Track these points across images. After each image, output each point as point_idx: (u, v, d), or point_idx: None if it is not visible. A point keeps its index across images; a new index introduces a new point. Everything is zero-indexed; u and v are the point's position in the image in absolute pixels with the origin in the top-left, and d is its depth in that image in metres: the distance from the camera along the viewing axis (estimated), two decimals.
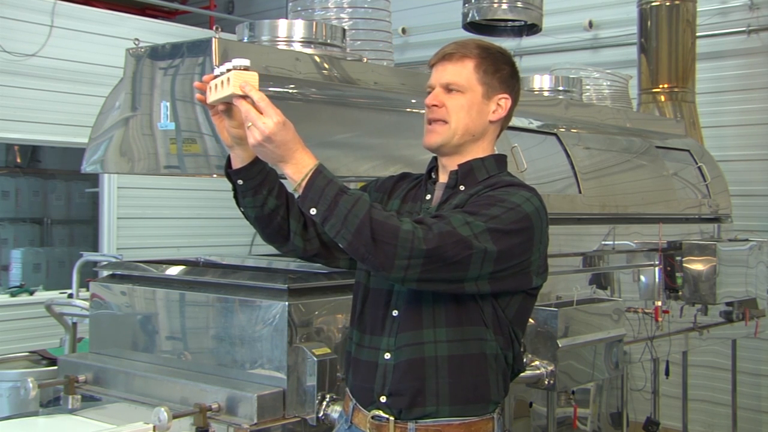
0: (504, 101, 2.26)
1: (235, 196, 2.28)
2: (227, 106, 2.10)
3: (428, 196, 2.27)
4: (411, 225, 1.97)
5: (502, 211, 2.06)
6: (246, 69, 2.01)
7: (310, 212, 1.99)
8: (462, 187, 2.22)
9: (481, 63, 2.23)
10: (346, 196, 1.97)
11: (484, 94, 2.23)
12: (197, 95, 2.13)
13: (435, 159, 2.32)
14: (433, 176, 2.32)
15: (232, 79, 2.00)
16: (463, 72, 2.21)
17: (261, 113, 1.98)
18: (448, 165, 2.26)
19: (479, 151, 2.26)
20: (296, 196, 2.03)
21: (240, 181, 2.22)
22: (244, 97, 1.99)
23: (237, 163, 2.21)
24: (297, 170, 2.00)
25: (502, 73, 2.26)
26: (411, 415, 2.13)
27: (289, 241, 2.32)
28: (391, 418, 2.15)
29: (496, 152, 2.31)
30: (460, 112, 2.21)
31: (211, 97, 2.09)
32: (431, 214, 2.17)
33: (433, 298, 2.12)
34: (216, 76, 2.07)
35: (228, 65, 2.03)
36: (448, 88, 2.22)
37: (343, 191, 1.97)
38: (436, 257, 1.97)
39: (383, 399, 2.16)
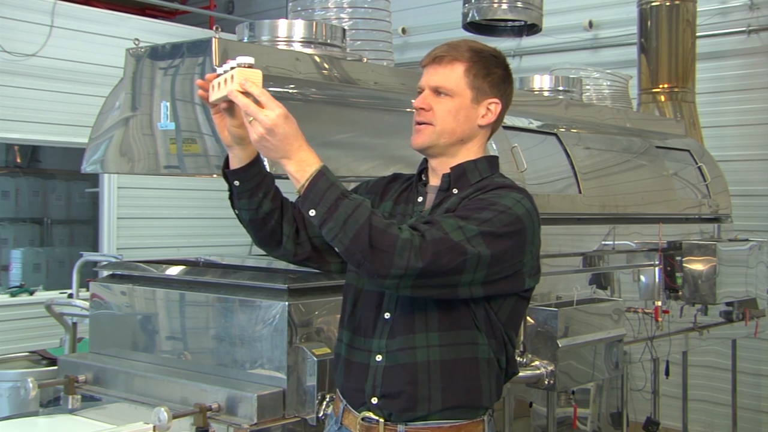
0: (494, 106, 2.24)
1: (231, 198, 2.27)
2: (229, 104, 2.09)
3: (420, 199, 2.26)
4: (409, 233, 1.96)
5: (494, 214, 2.05)
6: (250, 66, 2.00)
7: (309, 213, 1.97)
8: (455, 191, 2.21)
9: (472, 67, 2.21)
10: (347, 201, 1.95)
11: (474, 99, 2.21)
12: (199, 92, 2.11)
13: (426, 161, 2.31)
14: (424, 178, 2.30)
15: (235, 76, 1.99)
16: (452, 76, 2.20)
17: (262, 107, 1.97)
18: (438, 168, 2.25)
19: (470, 153, 2.25)
20: (297, 195, 2.03)
21: (237, 182, 2.20)
22: (245, 93, 1.98)
23: (235, 164, 2.19)
24: (300, 169, 1.98)
25: (493, 76, 2.23)
26: (402, 418, 2.13)
27: (281, 245, 2.31)
28: (381, 420, 2.14)
29: (489, 153, 2.30)
30: (447, 117, 2.19)
31: (214, 95, 2.08)
32: (424, 217, 2.16)
33: (426, 303, 2.11)
34: (219, 75, 2.06)
35: (232, 63, 2.02)
36: (437, 92, 2.20)
37: (344, 195, 1.96)
38: (432, 266, 1.96)
39: (374, 401, 2.15)
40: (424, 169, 2.31)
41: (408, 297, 2.11)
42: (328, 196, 1.95)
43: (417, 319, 2.12)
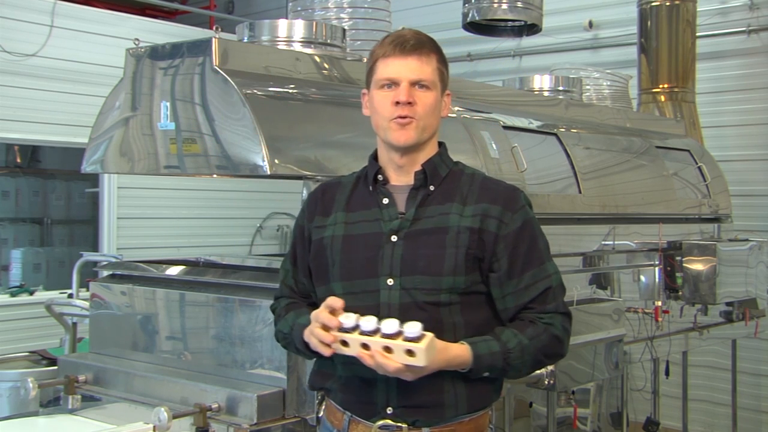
0: (447, 97, 2.22)
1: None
2: None
3: (385, 200, 2.16)
4: (561, 330, 2.16)
5: (538, 233, 2.21)
6: (421, 337, 1.92)
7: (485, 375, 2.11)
8: (432, 187, 2.15)
9: (440, 58, 2.17)
10: (510, 354, 2.07)
11: (441, 90, 2.18)
12: (321, 348, 2.00)
13: (375, 160, 2.22)
14: (380, 178, 2.19)
15: (421, 356, 1.90)
16: (429, 69, 2.13)
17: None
18: (408, 164, 2.16)
19: (433, 147, 2.20)
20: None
21: None
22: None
23: None
24: (460, 365, 2.05)
25: (447, 68, 2.21)
26: (427, 424, 2.10)
27: None
28: (404, 425, 2.09)
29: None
30: (429, 111, 2.12)
31: (348, 351, 1.96)
32: (409, 220, 2.11)
33: (452, 315, 2.09)
34: (345, 327, 1.95)
35: (389, 327, 1.92)
36: (416, 85, 2.11)
37: (505, 353, 2.07)
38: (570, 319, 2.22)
39: (390, 410, 2.10)
40: (378, 168, 2.20)
41: (430, 314, 2.06)
42: (496, 365, 2.08)
43: (446, 334, 2.06)
